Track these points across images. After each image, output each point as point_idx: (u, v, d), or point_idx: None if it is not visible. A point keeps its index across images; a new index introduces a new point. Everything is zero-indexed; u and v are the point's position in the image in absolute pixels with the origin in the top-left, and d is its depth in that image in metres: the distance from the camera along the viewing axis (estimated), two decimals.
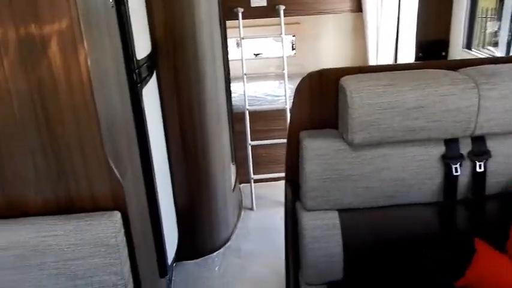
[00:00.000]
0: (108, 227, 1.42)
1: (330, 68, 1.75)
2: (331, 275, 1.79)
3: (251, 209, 3.46)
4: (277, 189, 3.59)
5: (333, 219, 1.75)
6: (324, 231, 1.75)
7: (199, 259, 2.90)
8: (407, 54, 3.63)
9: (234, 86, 3.63)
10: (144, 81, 2.11)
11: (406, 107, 1.55)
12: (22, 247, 1.39)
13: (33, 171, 1.46)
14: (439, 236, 1.72)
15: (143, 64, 2.10)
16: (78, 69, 1.35)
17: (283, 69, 3.47)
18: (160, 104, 2.49)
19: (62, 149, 1.43)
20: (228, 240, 3.07)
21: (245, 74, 3.50)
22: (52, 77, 1.35)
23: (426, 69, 1.69)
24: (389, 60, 3.75)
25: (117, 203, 1.51)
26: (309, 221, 1.76)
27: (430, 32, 3.32)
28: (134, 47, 1.92)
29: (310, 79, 1.75)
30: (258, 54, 4.74)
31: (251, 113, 3.50)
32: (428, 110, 1.55)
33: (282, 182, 3.57)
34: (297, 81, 1.79)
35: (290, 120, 1.84)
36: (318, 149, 1.69)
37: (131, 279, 1.53)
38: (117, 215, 1.47)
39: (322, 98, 1.77)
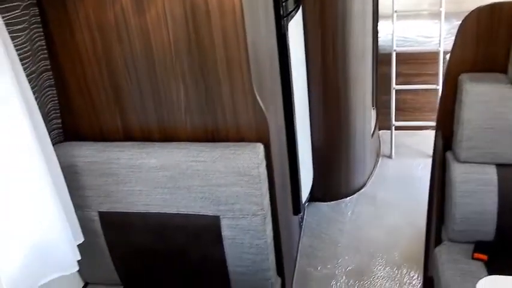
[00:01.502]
0: (252, 157, 1.44)
1: (505, 1, 1.51)
2: (480, 234, 1.64)
3: (389, 157, 3.30)
4: (420, 139, 3.36)
5: (489, 174, 1.58)
6: (477, 186, 1.58)
7: (332, 202, 2.87)
8: None
9: (382, 25, 3.38)
10: (290, 15, 2.05)
11: None
12: (173, 169, 1.48)
13: (184, 99, 1.52)
14: None
15: None
16: None
17: (440, 7, 3.12)
18: (304, 40, 2.42)
19: (211, 77, 1.46)
20: (363, 186, 2.99)
21: (395, 12, 3.22)
22: (205, 3, 1.35)
23: None
24: None
25: (260, 135, 1.51)
26: (461, 173, 1.60)
27: None
28: None
29: (478, 14, 1.54)
30: None
31: (398, 55, 3.25)
32: None
33: (426, 132, 3.35)
34: (454, 21, 1.59)
35: (449, 61, 1.66)
36: (480, 95, 1.50)
37: (269, 212, 1.55)
38: (260, 147, 1.48)
39: (490, 37, 1.55)
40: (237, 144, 1.49)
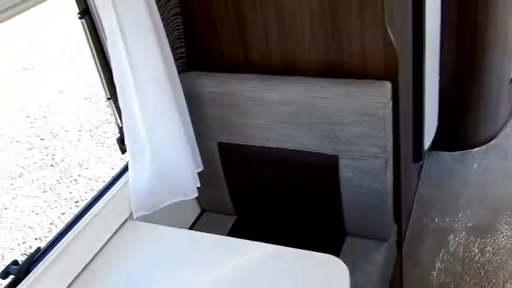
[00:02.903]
0: (378, 96, 1.34)
1: None
2: None
3: None
4: None
5: None
6: None
7: (457, 152, 2.65)
8: None
9: None
10: None
11: None
12: (293, 104, 1.44)
13: (308, 31, 1.44)
14: None
15: None
16: None
17: None
18: None
19: (339, 8, 1.36)
20: (493, 137, 2.70)
21: None
22: None
23: None
24: None
25: (389, 73, 1.39)
26: None
27: None
28: None
29: None
30: None
31: None
32: None
33: None
34: None
35: None
36: None
37: (391, 155, 1.45)
38: (388, 86, 1.36)
39: None
40: (362, 81, 1.39)
